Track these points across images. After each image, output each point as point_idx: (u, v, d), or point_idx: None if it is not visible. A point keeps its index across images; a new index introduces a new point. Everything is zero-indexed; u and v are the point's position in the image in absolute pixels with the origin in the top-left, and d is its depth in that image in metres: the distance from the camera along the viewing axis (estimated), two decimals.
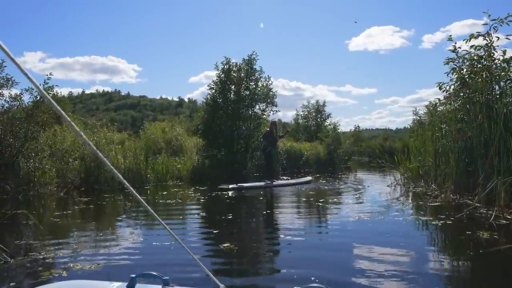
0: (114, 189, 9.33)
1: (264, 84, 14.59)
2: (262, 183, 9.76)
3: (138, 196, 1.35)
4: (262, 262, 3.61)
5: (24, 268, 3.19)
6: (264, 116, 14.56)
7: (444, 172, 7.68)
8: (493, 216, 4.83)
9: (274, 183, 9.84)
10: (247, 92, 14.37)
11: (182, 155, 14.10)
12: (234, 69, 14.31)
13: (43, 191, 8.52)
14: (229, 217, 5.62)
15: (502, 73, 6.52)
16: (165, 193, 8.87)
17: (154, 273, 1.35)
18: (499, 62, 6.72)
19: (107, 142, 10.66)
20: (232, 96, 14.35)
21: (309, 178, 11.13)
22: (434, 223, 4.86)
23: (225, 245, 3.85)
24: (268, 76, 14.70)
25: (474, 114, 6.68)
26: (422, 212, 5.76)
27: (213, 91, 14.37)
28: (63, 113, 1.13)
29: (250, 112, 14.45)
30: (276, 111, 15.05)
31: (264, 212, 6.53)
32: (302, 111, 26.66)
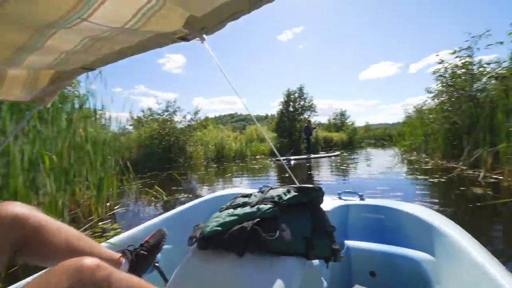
0: (230, 161, 9.28)
1: (309, 101, 13.41)
2: (305, 156, 8.70)
3: (280, 157, 1.36)
4: None
5: (172, 203, 3.00)
6: (310, 118, 13.36)
7: (432, 146, 5.96)
8: (481, 176, 3.40)
9: (311, 156, 8.62)
10: (299, 105, 13.39)
11: (265, 142, 13.67)
12: (291, 93, 13.42)
13: (197, 161, 8.87)
14: (294, 173, 4.95)
15: (484, 72, 4.68)
16: (254, 162, 8.50)
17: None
18: (478, 66, 4.88)
19: (226, 136, 10.69)
20: (291, 108, 13.49)
21: (337, 152, 9.83)
22: (431, 180, 3.55)
23: None
24: (311, 96, 13.49)
25: (458, 104, 4.95)
26: (418, 173, 4.36)
27: (281, 106, 13.67)
28: (258, 125, 1.20)
29: (301, 117, 13.42)
30: (316, 115, 13.78)
31: (309, 173, 5.69)
32: (333, 115, 24.35)
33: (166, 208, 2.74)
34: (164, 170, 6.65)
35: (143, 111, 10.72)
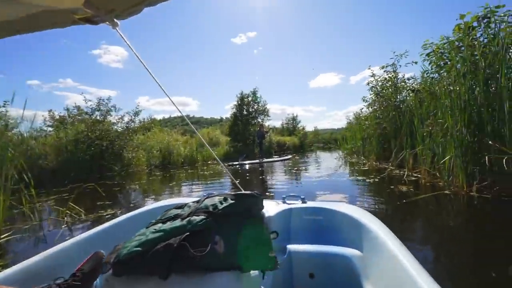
0: (178, 167, 8.65)
1: (262, 105, 13.83)
2: (257, 160, 8.81)
3: (220, 161, 1.31)
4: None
5: (91, 222, 2.49)
6: (263, 123, 13.70)
7: (368, 149, 6.84)
8: (405, 175, 4.01)
9: (264, 160, 8.79)
10: (253, 109, 13.65)
11: (218, 146, 13.44)
12: (245, 96, 13.61)
13: (138, 169, 7.97)
14: (246, 178, 4.86)
15: (404, 85, 5.64)
16: (205, 168, 8.15)
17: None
18: (401, 80, 5.87)
19: (174, 140, 10.02)
20: (245, 112, 13.63)
21: (289, 156, 10.30)
22: (368, 180, 4.01)
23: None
24: (264, 100, 13.87)
25: (387, 112, 5.81)
26: (357, 174, 4.90)
27: (234, 109, 13.69)
28: (192, 127, 1.30)
29: (255, 121, 13.68)
30: (270, 119, 14.31)
31: (261, 177, 5.71)
32: (285, 120, 25.86)
33: (82, 230, 2.23)
34: (94, 181, 5.66)
35: (67, 109, 9.23)
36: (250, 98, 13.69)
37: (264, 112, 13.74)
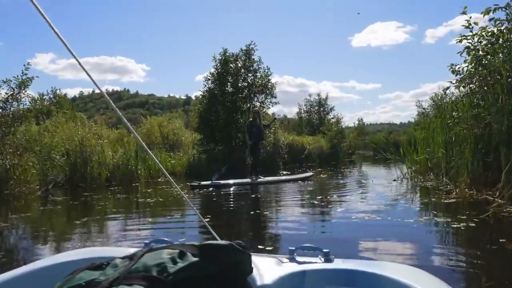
0: (99, 187, 8.69)
1: (263, 75, 13.86)
2: (248, 180, 8.76)
3: (176, 184, 1.55)
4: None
5: None
6: (263, 108, 13.70)
7: (457, 164, 6.79)
8: None
9: (260, 179, 8.71)
10: (245, 84, 13.70)
11: (179, 149, 13.44)
12: (231, 59, 13.64)
13: (23, 189, 7.85)
14: (227, 213, 4.85)
15: None
16: (151, 190, 8.15)
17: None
18: None
19: (95, 136, 10.05)
20: (229, 88, 13.71)
21: (309, 173, 10.25)
22: (454, 226, 3.93)
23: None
24: (267, 66, 13.86)
25: (493, 96, 5.76)
26: (435, 212, 4.88)
27: (210, 83, 13.75)
28: (120, 114, 1.38)
29: (248, 105, 13.73)
30: (276, 103, 14.27)
31: (255, 211, 5.53)
32: (305, 105, 26.01)
33: None
34: None
35: None
36: (240, 63, 13.69)
37: (266, 89, 13.76)
